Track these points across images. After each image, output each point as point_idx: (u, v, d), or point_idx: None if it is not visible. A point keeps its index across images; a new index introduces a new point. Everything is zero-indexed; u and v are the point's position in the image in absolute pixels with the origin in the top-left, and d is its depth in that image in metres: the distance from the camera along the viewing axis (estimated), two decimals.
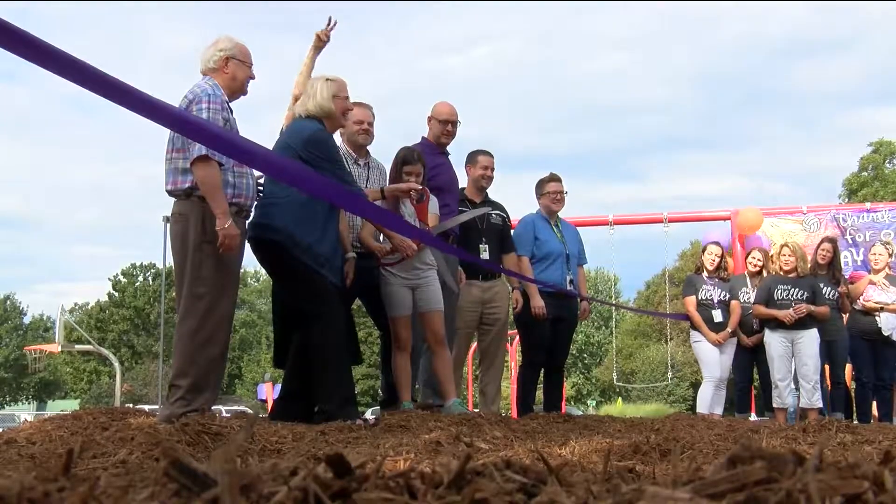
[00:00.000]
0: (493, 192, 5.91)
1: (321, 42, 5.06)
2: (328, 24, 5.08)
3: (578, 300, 6.16)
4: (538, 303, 5.69)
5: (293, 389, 4.30)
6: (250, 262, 57.50)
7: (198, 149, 3.84)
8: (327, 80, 4.42)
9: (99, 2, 74.11)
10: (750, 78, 73.85)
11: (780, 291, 6.66)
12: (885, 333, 7.11)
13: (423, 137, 5.48)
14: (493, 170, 5.76)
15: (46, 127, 77.50)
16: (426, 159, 4.98)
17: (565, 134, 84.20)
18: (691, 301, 6.92)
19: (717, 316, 6.81)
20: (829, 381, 7.37)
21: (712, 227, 10.52)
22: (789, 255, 6.70)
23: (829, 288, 6.99)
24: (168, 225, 4.62)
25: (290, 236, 4.12)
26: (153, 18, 74.17)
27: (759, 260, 7.32)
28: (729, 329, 6.80)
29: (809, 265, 6.94)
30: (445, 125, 5.43)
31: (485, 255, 5.64)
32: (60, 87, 75.55)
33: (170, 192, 4.05)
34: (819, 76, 71.21)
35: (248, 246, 4.29)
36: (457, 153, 5.68)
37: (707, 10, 73.92)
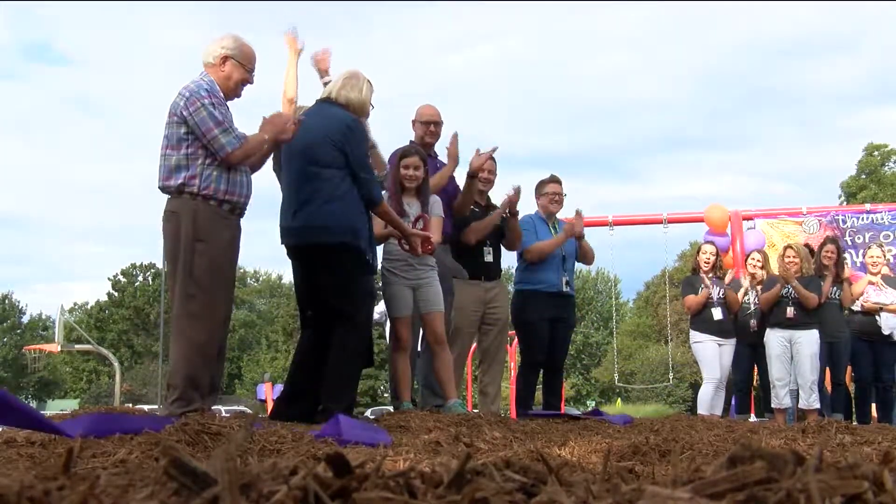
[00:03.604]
0: (494, 193, 5.93)
1: (296, 46, 5.00)
2: (292, 31, 5.00)
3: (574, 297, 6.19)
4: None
5: (296, 390, 4.27)
6: (250, 262, 57.39)
7: (220, 148, 3.88)
8: (368, 81, 4.43)
9: (100, 1, 74.10)
10: (750, 78, 73.96)
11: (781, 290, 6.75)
12: (885, 333, 7.12)
13: (410, 141, 5.50)
14: (491, 172, 5.77)
15: (46, 127, 77.58)
16: None
17: (565, 134, 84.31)
18: (691, 299, 6.96)
19: (718, 314, 6.84)
20: (829, 383, 7.37)
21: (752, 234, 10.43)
22: (793, 257, 6.77)
23: (834, 288, 7.01)
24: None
25: (354, 233, 4.09)
26: (155, 19, 74.20)
27: (758, 261, 7.34)
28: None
29: (814, 266, 6.98)
30: (428, 126, 5.48)
31: (488, 258, 5.66)
32: (60, 87, 75.55)
33: (162, 189, 4.02)
34: (820, 76, 71.34)
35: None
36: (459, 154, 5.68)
37: (707, 10, 74.05)
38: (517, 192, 5.63)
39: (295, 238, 4.23)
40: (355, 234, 4.09)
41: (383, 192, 4.99)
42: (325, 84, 5.05)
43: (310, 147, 4.14)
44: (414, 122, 5.55)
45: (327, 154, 4.11)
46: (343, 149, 4.11)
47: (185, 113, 3.92)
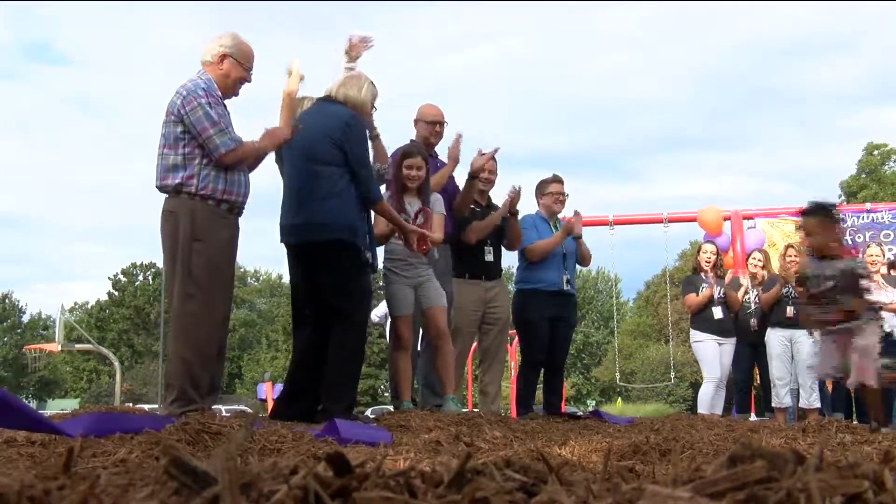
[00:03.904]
0: (494, 193, 5.93)
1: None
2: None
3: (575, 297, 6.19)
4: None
5: (295, 389, 4.27)
6: (250, 261, 57.32)
7: (214, 149, 3.87)
8: (372, 83, 4.41)
9: (100, 1, 74.06)
10: (750, 78, 73.96)
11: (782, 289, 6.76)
12: (886, 331, 7.12)
13: (411, 140, 5.50)
14: (492, 172, 5.77)
15: (46, 127, 77.59)
16: None
17: (565, 134, 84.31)
18: (692, 298, 6.97)
19: (718, 313, 6.86)
20: (829, 383, 7.36)
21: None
22: (795, 256, 6.79)
23: None
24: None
25: (353, 231, 4.08)
26: (155, 19, 74.16)
27: (759, 261, 7.35)
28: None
29: None
30: (433, 126, 5.48)
31: (489, 257, 5.65)
32: (60, 87, 75.46)
33: (160, 188, 4.02)
34: (820, 76, 71.33)
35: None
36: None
37: (707, 10, 74.02)
38: (517, 192, 5.65)
39: (294, 236, 4.23)
40: (353, 232, 4.09)
41: (383, 189, 4.99)
42: (348, 69, 5.02)
43: (310, 145, 4.15)
44: (417, 121, 5.54)
45: (327, 152, 4.10)
46: (342, 146, 4.11)
47: (181, 112, 3.92)
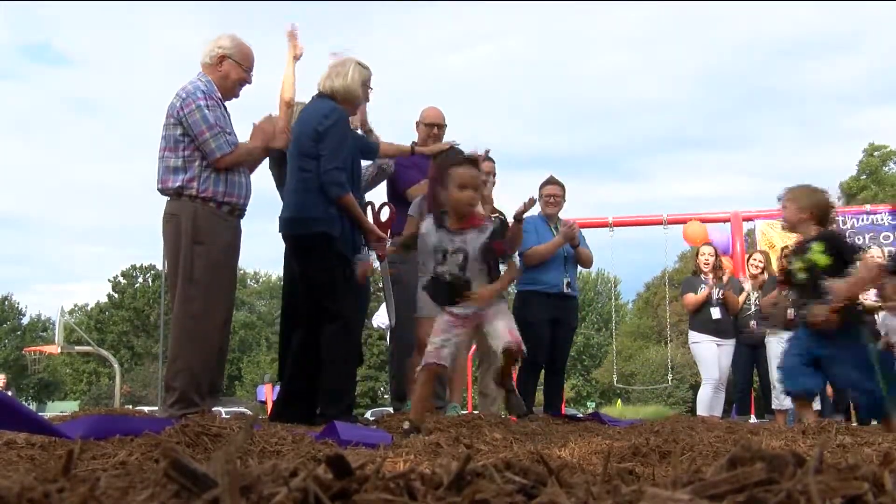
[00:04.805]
0: (495, 194, 5.92)
1: (295, 50, 4.93)
2: (293, 34, 4.88)
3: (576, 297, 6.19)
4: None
5: (294, 391, 4.26)
6: (250, 263, 57.31)
7: (210, 152, 3.88)
8: (359, 64, 4.38)
9: (100, 1, 74.11)
10: (750, 78, 74.03)
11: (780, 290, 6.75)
12: (883, 333, 7.13)
13: (412, 142, 5.52)
14: (490, 173, 5.76)
15: (46, 127, 77.64)
16: (416, 162, 5.16)
17: (565, 134, 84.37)
18: (689, 297, 7.00)
19: (715, 313, 6.87)
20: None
21: (712, 229, 10.51)
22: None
23: None
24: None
25: (331, 225, 4.08)
26: (155, 19, 74.20)
27: (760, 262, 7.35)
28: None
29: None
30: (431, 128, 5.53)
31: None
32: (60, 87, 75.48)
33: (161, 191, 4.03)
34: (820, 76, 71.40)
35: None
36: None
37: (707, 10, 74.10)
38: (531, 201, 5.61)
39: (282, 228, 4.28)
40: (331, 226, 4.09)
41: (382, 185, 5.01)
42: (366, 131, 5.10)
43: (298, 139, 4.22)
44: (418, 123, 5.61)
45: (309, 146, 4.15)
46: (318, 131, 4.14)
47: (180, 114, 3.93)
